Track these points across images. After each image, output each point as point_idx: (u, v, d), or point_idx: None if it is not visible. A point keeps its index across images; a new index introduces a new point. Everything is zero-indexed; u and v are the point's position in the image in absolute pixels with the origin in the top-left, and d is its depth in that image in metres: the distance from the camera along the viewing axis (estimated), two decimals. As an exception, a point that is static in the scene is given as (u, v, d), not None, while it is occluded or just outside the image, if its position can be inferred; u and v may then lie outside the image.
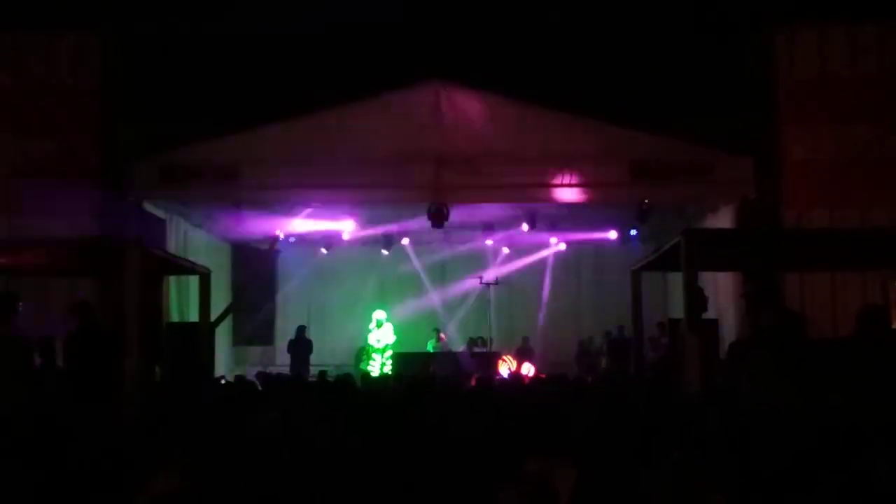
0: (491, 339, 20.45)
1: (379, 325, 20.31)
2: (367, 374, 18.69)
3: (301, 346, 19.04)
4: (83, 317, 9.82)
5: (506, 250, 21.44)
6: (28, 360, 9.21)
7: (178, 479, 4.38)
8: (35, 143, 15.01)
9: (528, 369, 19.09)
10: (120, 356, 9.34)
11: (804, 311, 12.59)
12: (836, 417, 5.50)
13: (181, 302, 16.45)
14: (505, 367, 19.14)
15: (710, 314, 11.25)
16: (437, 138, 15.75)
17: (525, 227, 18.63)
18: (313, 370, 17.92)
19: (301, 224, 18.93)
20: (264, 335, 22.09)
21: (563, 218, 19.10)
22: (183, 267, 13.28)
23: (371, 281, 22.11)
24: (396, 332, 20.43)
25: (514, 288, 21.70)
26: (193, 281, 14.92)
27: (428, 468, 5.31)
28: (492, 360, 19.27)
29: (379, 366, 19.64)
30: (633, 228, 19.31)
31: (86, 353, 9.30)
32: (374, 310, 20.74)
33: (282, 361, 19.97)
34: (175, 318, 15.85)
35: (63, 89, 15.27)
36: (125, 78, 15.50)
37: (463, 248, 21.59)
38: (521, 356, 19.80)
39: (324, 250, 21.42)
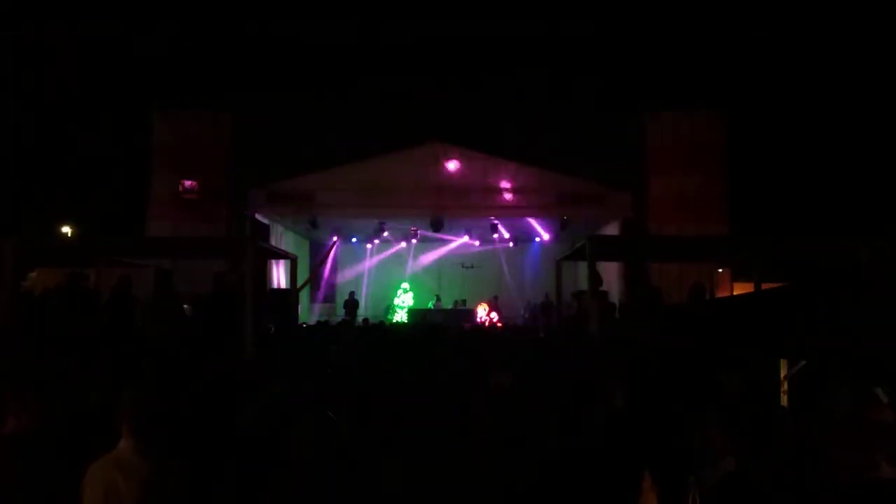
0: (464, 301, 20.56)
1: (405, 291, 20.51)
2: (392, 321, 18.82)
3: (351, 304, 19.09)
4: (219, 284, 9.88)
5: (477, 243, 21.48)
6: (180, 308, 9.32)
7: (282, 385, 4.51)
8: (190, 177, 15.06)
9: (495, 317, 19.18)
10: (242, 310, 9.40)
11: (661, 287, 12.70)
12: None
13: (278, 276, 16.53)
14: (483, 310, 19.22)
15: (603, 288, 11.35)
16: (436, 177, 15.86)
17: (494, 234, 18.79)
18: (359, 319, 17.96)
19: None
20: (329, 297, 22.15)
21: (514, 227, 19.19)
22: (279, 254, 13.32)
23: (395, 263, 22.16)
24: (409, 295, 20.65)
25: (482, 269, 21.78)
26: (286, 263, 15.00)
27: (433, 380, 5.40)
28: (470, 313, 19.36)
29: (399, 318, 19.74)
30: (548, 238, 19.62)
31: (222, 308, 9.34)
32: (399, 284, 20.92)
33: (339, 314, 20.01)
34: (275, 286, 15.93)
35: (206, 144, 15.32)
36: (245, 137, 15.57)
37: (451, 245, 21.65)
38: (492, 308, 19.83)
39: (368, 245, 21.52)
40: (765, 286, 8.73)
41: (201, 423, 4.09)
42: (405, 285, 20.74)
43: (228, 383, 5.43)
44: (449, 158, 15.89)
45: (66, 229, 22.11)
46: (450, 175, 15.91)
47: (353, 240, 21.32)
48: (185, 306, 9.89)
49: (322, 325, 11.93)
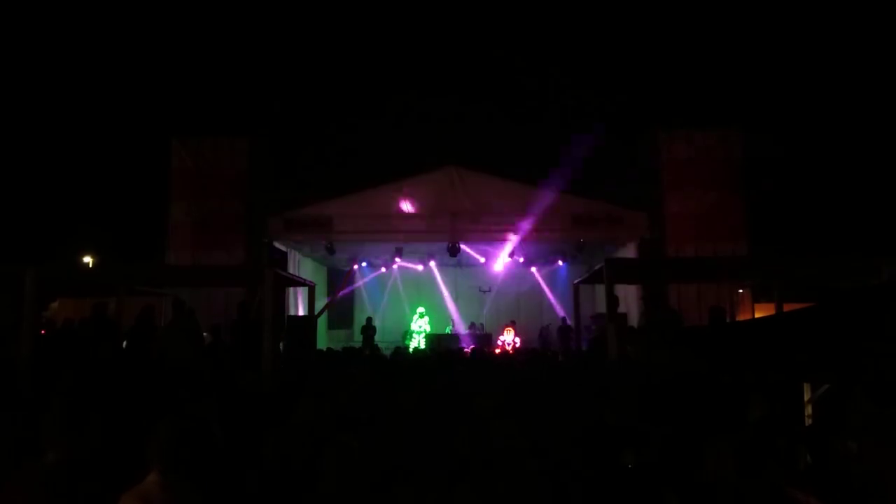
0: (482, 325, 20.46)
1: (421, 315, 20.42)
2: (409, 347, 18.76)
3: (369, 329, 19.07)
4: (244, 313, 9.97)
5: (497, 269, 21.43)
6: (199, 336, 9.36)
7: (309, 411, 4.50)
8: (208, 205, 15.20)
9: (516, 341, 19.04)
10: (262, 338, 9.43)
11: (680, 308, 12.60)
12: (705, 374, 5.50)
13: (296, 302, 16.56)
14: (510, 335, 19.01)
15: (621, 310, 11.28)
16: (452, 201, 15.89)
17: (507, 257, 18.74)
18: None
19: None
20: (346, 322, 22.13)
21: (531, 250, 19.16)
22: (297, 281, 13.36)
23: (412, 289, 22.12)
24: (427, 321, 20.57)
25: (500, 293, 21.69)
26: (304, 290, 15.04)
27: (446, 402, 5.37)
28: (487, 337, 19.22)
29: (417, 342, 19.66)
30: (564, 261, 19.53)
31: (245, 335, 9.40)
32: (416, 308, 20.85)
33: (357, 339, 19.97)
34: (293, 312, 15.95)
35: (224, 170, 15.46)
36: (262, 164, 15.72)
37: (468, 269, 21.61)
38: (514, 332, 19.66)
39: (384, 269, 21.50)
40: (786, 307, 8.64)
41: (227, 453, 4.09)
42: (421, 310, 20.71)
43: (252, 411, 5.44)
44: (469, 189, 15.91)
45: (87, 259, 22.38)
46: (465, 200, 15.91)
47: (370, 265, 21.35)
48: (205, 334, 9.94)
49: (339, 352, 11.89)
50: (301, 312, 16.06)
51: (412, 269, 21.43)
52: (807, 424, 4.27)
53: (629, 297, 14.71)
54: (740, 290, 14.85)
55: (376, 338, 18.80)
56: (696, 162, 15.19)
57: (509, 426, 4.16)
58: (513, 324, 19.86)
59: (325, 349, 13.13)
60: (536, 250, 19.24)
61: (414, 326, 20.36)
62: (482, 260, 20.42)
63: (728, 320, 9.53)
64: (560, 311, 19.87)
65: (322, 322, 18.97)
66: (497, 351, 17.27)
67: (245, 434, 4.62)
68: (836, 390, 4.14)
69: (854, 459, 3.43)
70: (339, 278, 21.30)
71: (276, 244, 16.22)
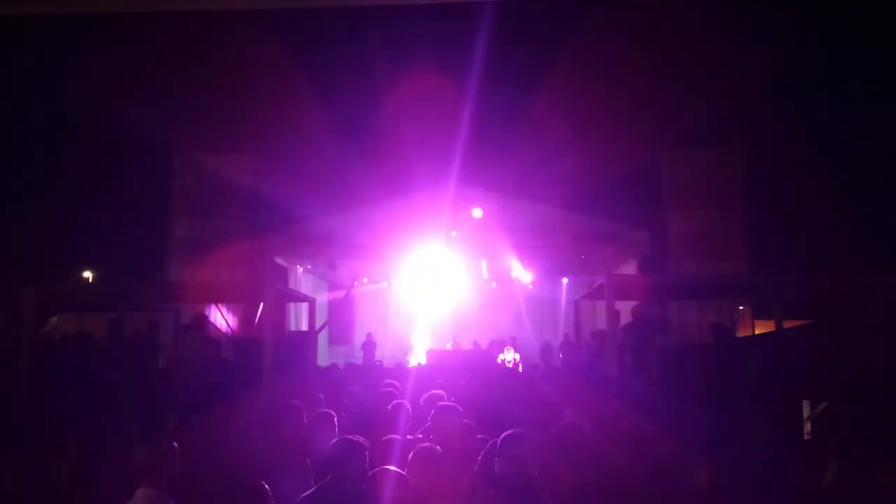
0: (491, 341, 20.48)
1: (419, 332, 20.46)
2: (409, 363, 18.76)
3: (369, 345, 19.07)
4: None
5: (494, 285, 21.43)
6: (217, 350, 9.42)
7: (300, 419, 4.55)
8: (209, 221, 15.21)
9: (517, 357, 19.00)
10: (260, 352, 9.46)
11: (681, 326, 12.62)
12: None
13: (297, 318, 16.57)
14: (510, 354, 19.00)
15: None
16: (455, 217, 15.92)
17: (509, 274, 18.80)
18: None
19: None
20: (347, 338, 22.08)
21: (532, 267, 19.21)
22: (298, 297, 13.42)
23: (413, 304, 22.09)
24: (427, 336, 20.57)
25: (500, 310, 21.68)
26: (304, 305, 15.06)
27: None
28: (489, 354, 19.16)
29: (417, 358, 19.66)
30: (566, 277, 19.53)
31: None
32: (416, 324, 20.88)
33: (357, 356, 19.97)
34: (293, 328, 15.95)
35: (226, 187, 15.44)
36: (264, 180, 15.71)
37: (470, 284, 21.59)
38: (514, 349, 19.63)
39: (385, 285, 21.52)
40: (787, 324, 8.67)
41: (216, 474, 4.11)
42: (419, 325, 20.72)
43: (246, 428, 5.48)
44: (472, 206, 15.95)
45: (87, 274, 22.40)
46: (469, 216, 15.95)
47: (372, 281, 21.38)
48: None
49: (339, 368, 11.92)
50: (302, 328, 16.07)
51: (413, 285, 21.45)
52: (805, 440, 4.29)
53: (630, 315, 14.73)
54: (741, 307, 14.85)
55: (377, 353, 18.81)
56: (698, 180, 15.21)
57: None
58: (513, 340, 19.87)
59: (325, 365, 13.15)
60: (537, 267, 19.27)
61: (414, 342, 20.36)
62: (484, 277, 20.46)
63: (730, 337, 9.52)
64: (561, 328, 19.85)
65: (322, 338, 18.98)
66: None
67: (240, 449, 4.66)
68: (834, 407, 4.16)
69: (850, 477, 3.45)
70: (339, 294, 21.32)
71: (277, 260, 16.25)
